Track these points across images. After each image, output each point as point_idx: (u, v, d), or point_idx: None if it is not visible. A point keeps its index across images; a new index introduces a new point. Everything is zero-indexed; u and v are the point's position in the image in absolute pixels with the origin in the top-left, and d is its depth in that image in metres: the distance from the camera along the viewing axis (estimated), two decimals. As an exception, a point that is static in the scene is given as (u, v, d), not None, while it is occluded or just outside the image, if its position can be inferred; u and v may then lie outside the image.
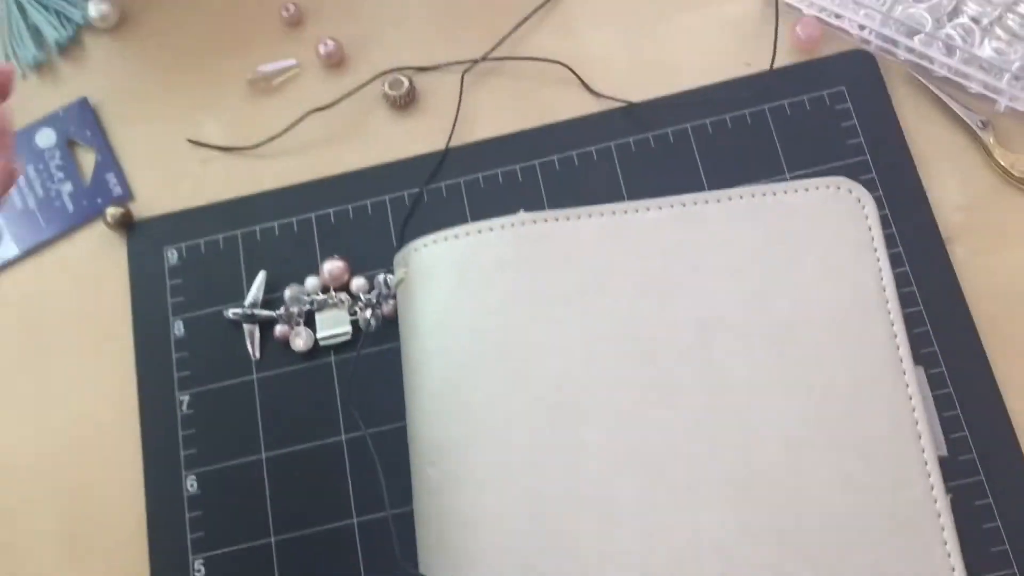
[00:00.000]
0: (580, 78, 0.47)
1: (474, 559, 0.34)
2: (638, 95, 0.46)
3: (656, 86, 0.46)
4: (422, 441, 0.37)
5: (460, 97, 0.47)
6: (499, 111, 0.47)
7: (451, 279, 0.38)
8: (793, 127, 0.45)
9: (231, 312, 0.44)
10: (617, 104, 0.46)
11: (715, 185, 0.43)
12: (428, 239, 0.39)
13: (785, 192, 0.38)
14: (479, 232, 0.38)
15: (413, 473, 0.38)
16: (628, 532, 0.34)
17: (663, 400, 0.36)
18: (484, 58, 0.48)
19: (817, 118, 0.45)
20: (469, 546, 0.34)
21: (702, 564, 0.34)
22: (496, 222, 0.39)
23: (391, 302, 0.43)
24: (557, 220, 0.38)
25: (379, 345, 0.43)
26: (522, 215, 0.38)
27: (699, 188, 0.43)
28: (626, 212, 0.38)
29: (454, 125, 0.47)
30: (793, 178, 0.42)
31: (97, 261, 0.47)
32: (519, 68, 0.48)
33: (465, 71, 0.48)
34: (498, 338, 0.37)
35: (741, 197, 0.39)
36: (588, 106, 0.47)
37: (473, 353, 0.37)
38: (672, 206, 0.38)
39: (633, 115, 0.46)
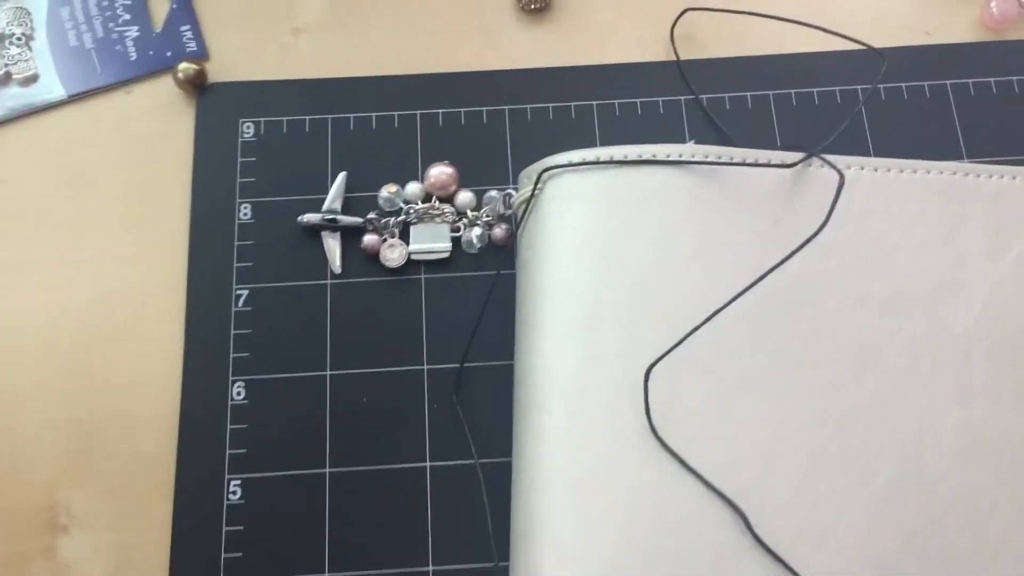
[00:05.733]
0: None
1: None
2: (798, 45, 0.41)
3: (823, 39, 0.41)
4: (543, 383, 0.31)
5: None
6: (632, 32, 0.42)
7: (599, 204, 0.33)
8: (976, 108, 0.40)
9: (306, 218, 0.37)
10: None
11: (882, 154, 0.38)
12: (571, 156, 0.33)
13: (1002, 176, 0.33)
14: (639, 156, 0.33)
15: (521, 418, 0.32)
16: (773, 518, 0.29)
17: (832, 381, 0.31)
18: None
19: (1006, 104, 0.40)
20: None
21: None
22: (660, 149, 0.33)
23: (501, 225, 0.38)
24: (733, 160, 0.33)
25: (476, 271, 0.38)
26: (692, 147, 0.33)
27: (865, 153, 0.39)
28: (810, 166, 0.33)
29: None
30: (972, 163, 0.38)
31: (157, 120, 0.40)
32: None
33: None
34: (649, 277, 0.31)
35: (941, 172, 0.34)
36: (719, 48, 0.42)
37: (619, 289, 0.31)
38: (875, 169, 0.33)
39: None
